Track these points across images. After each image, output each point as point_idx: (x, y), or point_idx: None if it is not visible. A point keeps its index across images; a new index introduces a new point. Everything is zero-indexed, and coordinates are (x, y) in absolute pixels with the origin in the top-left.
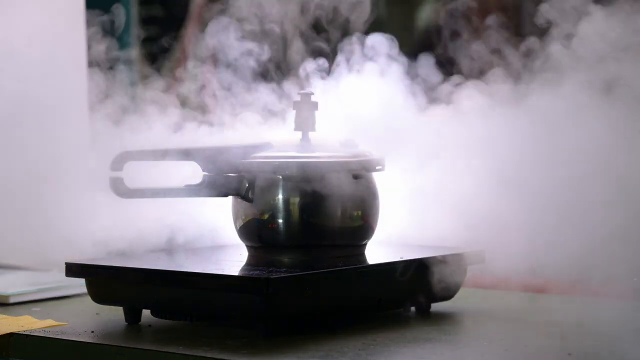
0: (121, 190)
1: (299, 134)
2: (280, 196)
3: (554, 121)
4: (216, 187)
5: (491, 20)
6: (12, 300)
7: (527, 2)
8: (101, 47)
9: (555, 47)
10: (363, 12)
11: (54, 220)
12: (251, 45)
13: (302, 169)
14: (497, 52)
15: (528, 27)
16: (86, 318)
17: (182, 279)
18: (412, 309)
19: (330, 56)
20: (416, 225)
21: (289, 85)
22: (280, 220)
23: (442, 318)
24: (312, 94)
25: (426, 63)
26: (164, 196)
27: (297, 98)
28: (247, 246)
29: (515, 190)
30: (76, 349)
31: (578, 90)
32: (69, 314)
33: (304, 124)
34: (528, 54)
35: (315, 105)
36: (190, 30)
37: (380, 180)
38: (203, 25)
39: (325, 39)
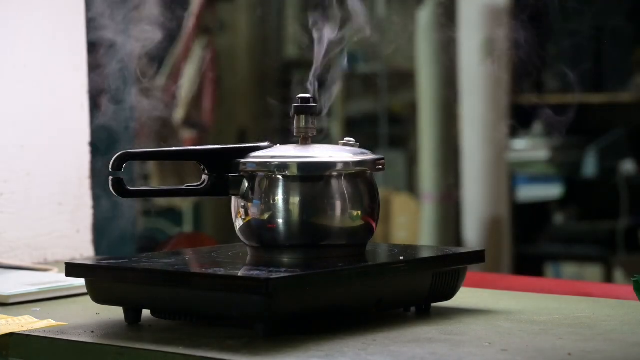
0: (122, 190)
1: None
2: (280, 196)
3: None
4: (216, 187)
5: None
6: (12, 300)
7: None
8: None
9: None
10: None
11: (53, 220)
12: None
13: (302, 169)
14: None
15: None
16: (86, 318)
17: (182, 279)
18: (412, 309)
19: None
20: None
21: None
22: (280, 220)
23: (442, 318)
24: (312, 97)
25: None
26: (165, 196)
27: (297, 102)
28: (247, 246)
29: None
30: (76, 349)
31: None
32: (69, 314)
33: (304, 129)
34: None
35: (314, 109)
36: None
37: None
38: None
39: None
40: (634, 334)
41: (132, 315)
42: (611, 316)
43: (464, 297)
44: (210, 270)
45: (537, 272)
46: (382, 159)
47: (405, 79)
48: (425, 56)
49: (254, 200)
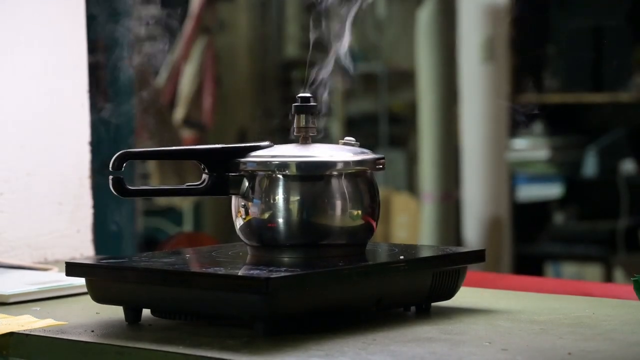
0: (122, 190)
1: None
2: (281, 195)
3: None
4: (216, 186)
5: None
6: (12, 299)
7: None
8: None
9: None
10: None
11: (53, 219)
12: None
13: (302, 168)
14: None
15: None
16: (86, 318)
17: (182, 278)
18: (412, 308)
19: None
20: None
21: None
22: (280, 220)
23: (442, 318)
24: (311, 97)
25: None
26: (165, 196)
27: (297, 102)
28: (247, 246)
29: None
30: (76, 349)
31: None
32: (69, 314)
33: (304, 128)
34: None
35: (314, 109)
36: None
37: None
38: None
39: None
40: (634, 333)
41: (132, 314)
42: (611, 316)
43: (464, 296)
44: (211, 270)
45: (537, 272)
46: (382, 158)
47: (405, 78)
48: (425, 56)
49: (254, 200)
